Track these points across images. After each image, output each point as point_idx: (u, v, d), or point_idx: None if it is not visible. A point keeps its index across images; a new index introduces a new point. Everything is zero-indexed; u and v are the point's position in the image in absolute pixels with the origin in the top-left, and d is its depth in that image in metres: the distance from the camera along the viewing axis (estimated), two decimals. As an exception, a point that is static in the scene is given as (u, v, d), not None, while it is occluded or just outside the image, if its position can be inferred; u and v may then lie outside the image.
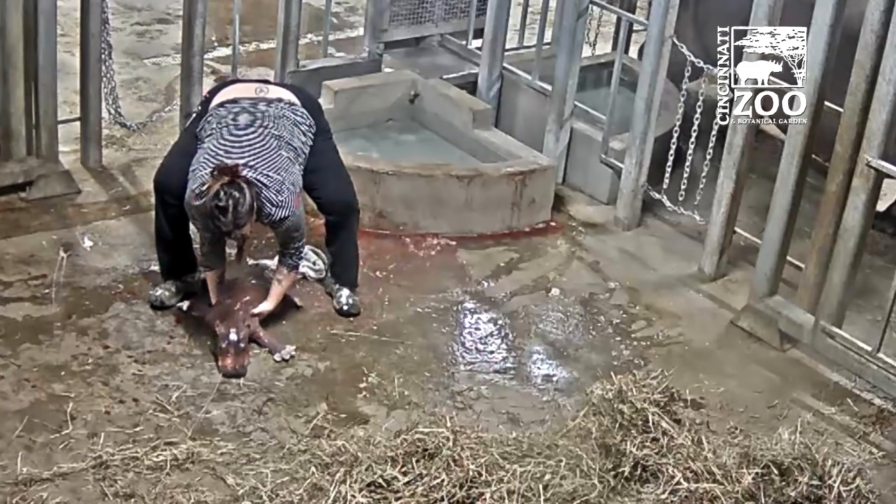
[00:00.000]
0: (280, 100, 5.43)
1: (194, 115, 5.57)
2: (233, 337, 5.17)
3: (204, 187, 5.03)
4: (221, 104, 5.38)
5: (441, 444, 4.51)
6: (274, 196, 5.13)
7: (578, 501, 4.38)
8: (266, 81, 5.79)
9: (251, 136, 5.24)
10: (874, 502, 4.58)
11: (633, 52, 7.90)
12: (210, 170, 5.07)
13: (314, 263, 5.86)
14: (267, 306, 5.40)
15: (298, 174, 5.33)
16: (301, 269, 5.61)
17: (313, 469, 4.52)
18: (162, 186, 5.40)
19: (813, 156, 5.71)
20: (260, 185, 5.10)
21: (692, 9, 7.10)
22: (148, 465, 4.51)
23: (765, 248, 5.86)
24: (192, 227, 5.43)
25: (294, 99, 5.48)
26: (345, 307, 5.64)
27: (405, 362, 5.36)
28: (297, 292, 5.66)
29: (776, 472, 4.54)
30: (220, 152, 5.18)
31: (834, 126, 5.45)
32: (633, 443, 4.61)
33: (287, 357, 5.26)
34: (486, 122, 7.07)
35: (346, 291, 5.68)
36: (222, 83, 5.72)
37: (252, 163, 5.15)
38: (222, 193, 4.98)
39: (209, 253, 5.36)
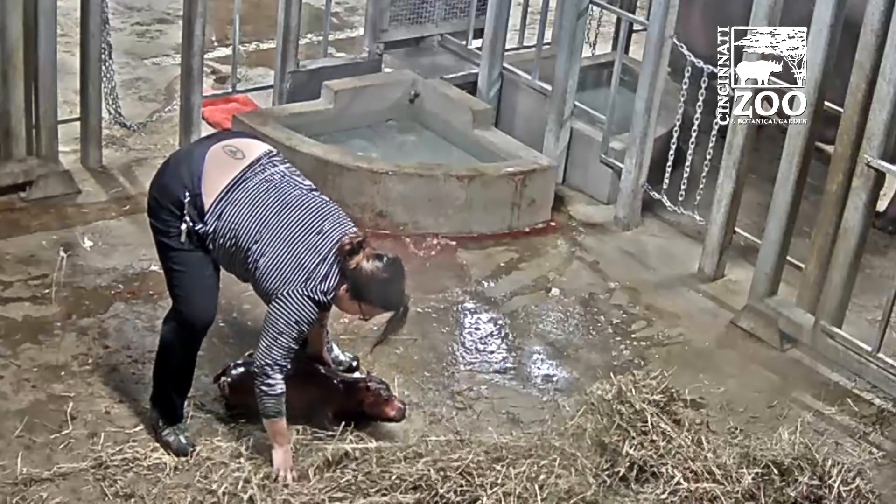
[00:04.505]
0: (266, 154, 4.50)
1: (182, 231, 4.37)
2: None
3: (331, 278, 4.32)
4: (222, 199, 4.34)
5: (439, 446, 4.52)
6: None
7: (575, 499, 4.38)
8: (228, 135, 4.87)
9: (301, 202, 4.39)
10: (874, 502, 4.59)
11: (633, 52, 7.90)
12: (320, 259, 4.31)
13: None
14: None
15: None
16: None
17: (314, 469, 4.52)
18: (204, 324, 4.55)
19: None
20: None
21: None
22: (148, 465, 4.51)
23: (765, 248, 5.86)
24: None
25: (268, 148, 4.57)
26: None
27: (405, 362, 5.36)
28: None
29: (776, 472, 4.54)
30: (305, 234, 4.35)
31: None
32: (632, 443, 4.62)
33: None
34: (486, 122, 7.06)
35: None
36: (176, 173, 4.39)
37: (337, 223, 4.42)
38: (380, 255, 4.35)
39: (280, 394, 4.41)
